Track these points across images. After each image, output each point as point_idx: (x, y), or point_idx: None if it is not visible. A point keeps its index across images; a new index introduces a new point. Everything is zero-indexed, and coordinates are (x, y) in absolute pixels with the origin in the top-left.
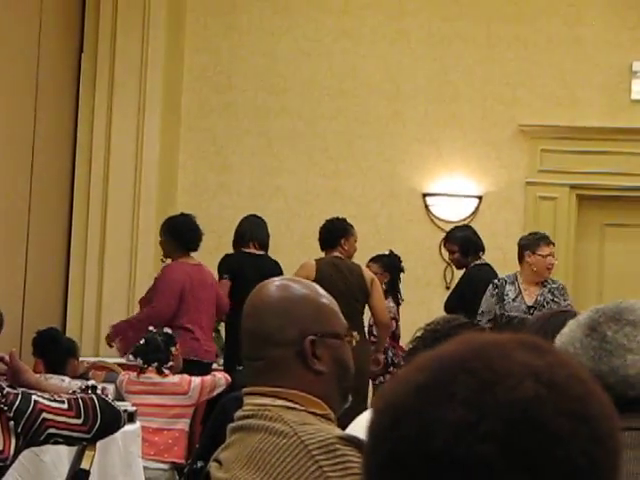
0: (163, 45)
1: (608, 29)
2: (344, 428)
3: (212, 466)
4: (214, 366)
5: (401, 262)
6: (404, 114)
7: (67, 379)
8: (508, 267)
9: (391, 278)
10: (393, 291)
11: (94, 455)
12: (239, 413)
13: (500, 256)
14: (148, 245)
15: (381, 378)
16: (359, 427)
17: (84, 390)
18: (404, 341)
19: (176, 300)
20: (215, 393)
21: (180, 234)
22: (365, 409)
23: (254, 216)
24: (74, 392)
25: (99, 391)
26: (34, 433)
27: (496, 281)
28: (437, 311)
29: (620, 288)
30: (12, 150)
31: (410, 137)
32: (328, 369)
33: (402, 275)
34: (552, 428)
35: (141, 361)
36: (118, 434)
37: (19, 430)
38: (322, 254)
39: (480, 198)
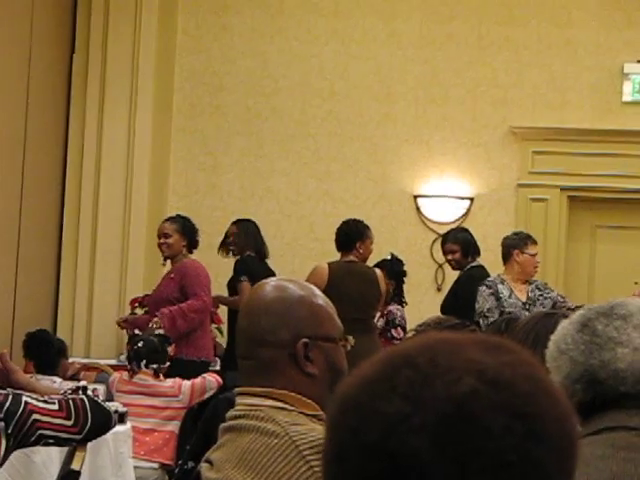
0: (154, 46)
1: (599, 31)
2: None
3: (203, 466)
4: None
5: (403, 265)
6: (395, 116)
7: (58, 380)
8: (499, 269)
9: (396, 285)
10: (398, 297)
11: (85, 456)
12: (231, 413)
13: (491, 258)
14: (139, 246)
15: None
16: None
17: (75, 391)
18: None
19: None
20: (206, 396)
21: (195, 233)
22: None
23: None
24: (65, 393)
25: (90, 392)
26: (24, 434)
27: (488, 282)
28: (428, 312)
29: (611, 290)
30: (3, 150)
31: (401, 139)
32: (320, 372)
33: (405, 279)
34: (484, 423)
35: (144, 362)
36: (109, 435)
37: (9, 431)
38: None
39: (471, 200)
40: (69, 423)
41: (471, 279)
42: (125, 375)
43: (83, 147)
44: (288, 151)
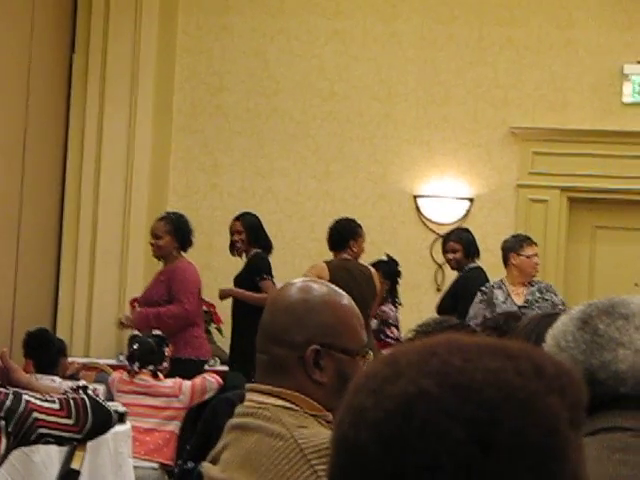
0: (155, 46)
1: (599, 32)
2: None
3: (205, 465)
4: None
5: (398, 266)
6: (395, 116)
7: (58, 379)
8: (499, 269)
9: (391, 286)
10: (392, 297)
11: (84, 455)
12: (239, 409)
13: (491, 259)
14: (139, 245)
15: None
16: None
17: (75, 390)
18: None
19: (198, 303)
20: (207, 396)
21: (187, 233)
22: None
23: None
24: (65, 392)
25: (90, 391)
26: (25, 433)
27: (484, 288)
28: (428, 313)
29: (611, 290)
30: (3, 151)
31: (401, 139)
32: (329, 381)
33: (400, 280)
34: (423, 425)
35: (137, 365)
36: (109, 434)
37: (10, 429)
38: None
39: (471, 200)
40: (70, 422)
41: (468, 281)
42: (125, 375)
43: (83, 147)
44: (288, 151)
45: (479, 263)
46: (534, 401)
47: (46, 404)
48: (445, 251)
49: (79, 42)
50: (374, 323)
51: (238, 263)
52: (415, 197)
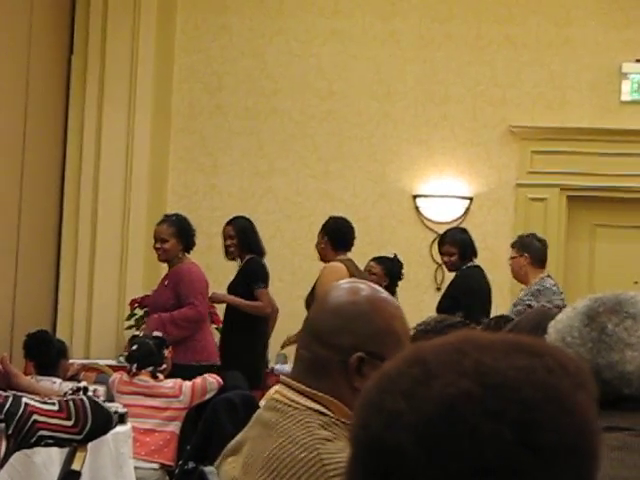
0: (153, 46)
1: (598, 30)
2: None
3: (226, 462)
4: None
5: (402, 269)
6: (394, 115)
7: (58, 381)
8: (498, 268)
9: (389, 284)
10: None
11: (85, 456)
12: (270, 402)
13: (490, 257)
14: (139, 246)
15: None
16: None
17: (75, 392)
18: None
19: (207, 303)
20: (207, 397)
21: (191, 234)
22: None
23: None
24: (65, 394)
25: (90, 393)
26: (25, 435)
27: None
28: (428, 312)
29: (610, 289)
30: (2, 151)
31: (400, 138)
32: None
33: (399, 282)
34: (470, 427)
35: (135, 366)
36: (109, 435)
37: (10, 432)
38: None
39: (470, 199)
40: (69, 423)
41: (466, 279)
42: (125, 376)
43: (82, 148)
44: (287, 151)
45: (477, 262)
46: (568, 399)
47: (45, 406)
48: (441, 253)
49: (77, 43)
50: None
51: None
52: (414, 196)
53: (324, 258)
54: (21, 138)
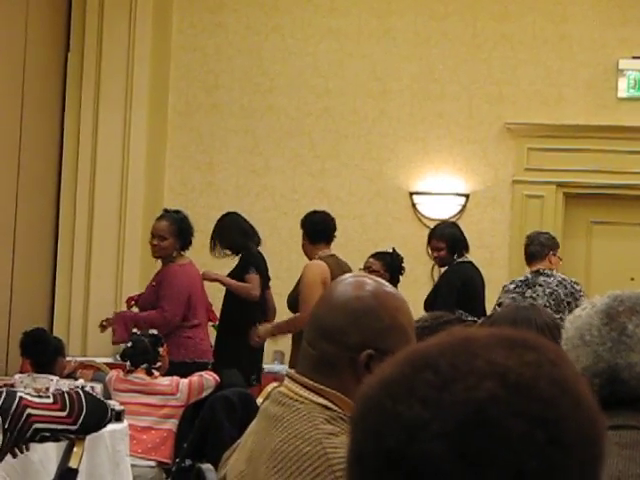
0: (149, 44)
1: (594, 27)
2: None
3: (233, 456)
4: None
5: (402, 262)
6: (390, 113)
7: (55, 379)
8: (495, 265)
9: (391, 278)
10: None
11: (82, 454)
12: (276, 396)
13: (487, 254)
14: (135, 243)
15: None
16: None
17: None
18: None
19: (182, 308)
20: (204, 394)
21: (190, 233)
22: None
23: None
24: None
25: (88, 389)
26: (20, 429)
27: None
28: (424, 309)
29: (607, 286)
30: None
31: (396, 136)
32: None
33: (401, 277)
34: (503, 430)
35: (129, 363)
36: (106, 433)
37: (5, 427)
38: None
39: (467, 196)
40: (63, 414)
41: (451, 274)
42: (122, 373)
43: (78, 146)
44: (284, 148)
45: (470, 258)
46: (576, 390)
47: (40, 400)
48: (430, 249)
49: (74, 41)
50: None
51: (233, 261)
52: (411, 194)
53: (307, 255)
54: (17, 136)
